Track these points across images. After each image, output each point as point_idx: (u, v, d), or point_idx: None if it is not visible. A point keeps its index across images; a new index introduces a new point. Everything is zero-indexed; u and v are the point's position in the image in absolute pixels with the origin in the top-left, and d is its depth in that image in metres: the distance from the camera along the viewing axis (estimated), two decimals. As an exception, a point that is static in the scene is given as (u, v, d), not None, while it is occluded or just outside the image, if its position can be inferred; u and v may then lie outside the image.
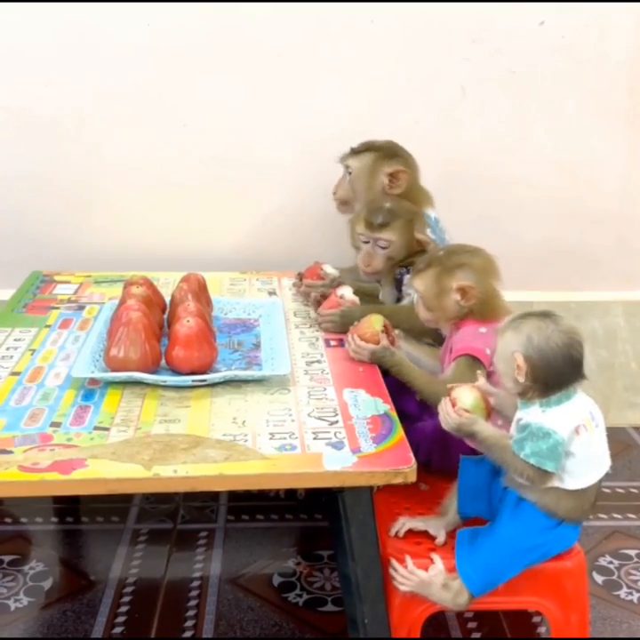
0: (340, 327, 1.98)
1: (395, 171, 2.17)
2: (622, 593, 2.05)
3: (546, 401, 1.52)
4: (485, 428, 1.55)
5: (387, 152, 2.22)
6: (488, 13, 2.49)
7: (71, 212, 2.60)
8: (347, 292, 2.04)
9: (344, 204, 2.30)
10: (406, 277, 2.05)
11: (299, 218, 2.62)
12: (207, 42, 2.47)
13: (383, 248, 2.02)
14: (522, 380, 1.51)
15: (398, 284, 2.09)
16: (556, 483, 1.53)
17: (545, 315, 1.53)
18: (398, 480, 1.45)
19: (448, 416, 1.55)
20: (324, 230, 2.56)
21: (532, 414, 1.52)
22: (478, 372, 1.65)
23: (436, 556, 1.60)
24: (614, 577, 2.11)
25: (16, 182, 2.55)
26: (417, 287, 1.83)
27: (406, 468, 1.45)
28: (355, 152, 2.25)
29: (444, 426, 1.57)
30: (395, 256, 2.04)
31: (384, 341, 1.83)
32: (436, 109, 2.56)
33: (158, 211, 2.61)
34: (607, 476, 1.62)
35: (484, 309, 1.78)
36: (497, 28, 2.51)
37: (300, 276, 2.24)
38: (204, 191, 2.60)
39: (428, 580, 1.58)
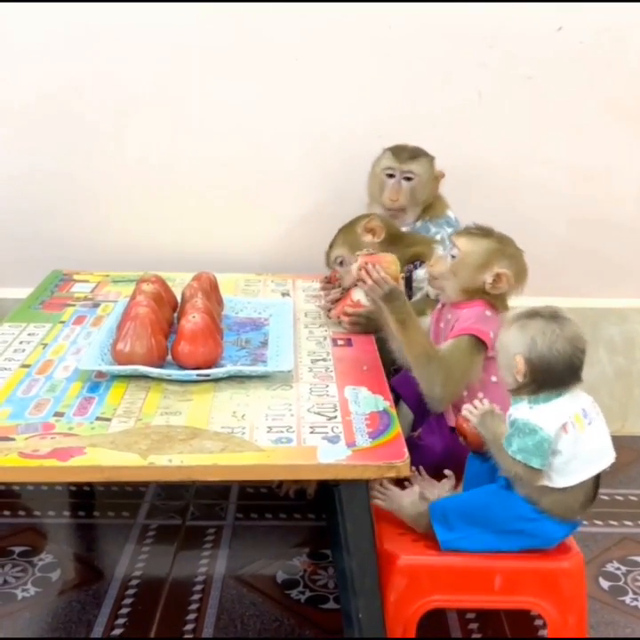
0: (365, 328, 1.97)
1: (441, 173, 2.26)
2: (628, 599, 2.04)
3: (534, 398, 1.53)
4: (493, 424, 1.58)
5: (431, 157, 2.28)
6: (505, 19, 2.50)
7: (93, 212, 2.64)
8: (362, 297, 2.03)
9: (402, 210, 2.24)
10: (416, 273, 2.05)
11: (315, 221, 2.63)
12: (225, 46, 2.50)
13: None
14: (520, 379, 1.53)
15: (408, 282, 2.07)
16: (544, 481, 1.53)
17: (552, 317, 1.53)
18: (391, 474, 1.46)
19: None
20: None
21: (520, 410, 1.53)
22: None
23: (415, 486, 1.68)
24: (621, 583, 2.09)
25: (40, 183, 2.60)
26: (462, 247, 1.77)
27: (399, 463, 1.45)
28: (411, 157, 2.24)
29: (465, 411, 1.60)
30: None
31: (400, 286, 1.78)
32: (452, 114, 2.57)
33: (178, 213, 2.64)
34: (620, 484, 1.60)
35: (498, 301, 1.79)
36: (514, 34, 2.51)
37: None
38: (223, 194, 2.63)
39: (400, 493, 1.66)
